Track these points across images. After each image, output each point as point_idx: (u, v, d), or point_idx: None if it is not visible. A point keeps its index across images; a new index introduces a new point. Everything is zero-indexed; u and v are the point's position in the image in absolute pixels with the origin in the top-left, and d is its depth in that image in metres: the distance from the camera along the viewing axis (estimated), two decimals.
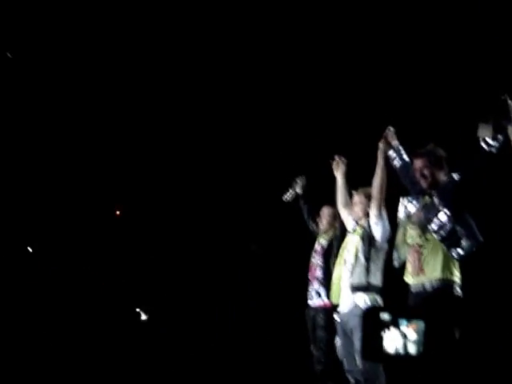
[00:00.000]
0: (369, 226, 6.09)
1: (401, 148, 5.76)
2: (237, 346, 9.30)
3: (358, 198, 6.28)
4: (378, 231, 6.01)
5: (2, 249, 9.97)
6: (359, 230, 6.19)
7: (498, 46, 7.36)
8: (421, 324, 3.24)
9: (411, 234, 5.35)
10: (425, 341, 3.28)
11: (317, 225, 7.11)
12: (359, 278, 5.99)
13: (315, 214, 7.16)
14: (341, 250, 6.31)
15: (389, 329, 3.25)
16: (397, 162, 5.71)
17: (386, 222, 5.98)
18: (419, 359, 3.36)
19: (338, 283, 6.22)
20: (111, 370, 9.19)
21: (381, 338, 3.23)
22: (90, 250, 10.17)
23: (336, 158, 6.71)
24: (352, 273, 6.04)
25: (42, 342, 9.56)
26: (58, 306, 9.91)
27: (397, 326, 3.25)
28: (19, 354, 9.19)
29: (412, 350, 3.28)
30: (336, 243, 6.73)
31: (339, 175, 6.64)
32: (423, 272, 5.20)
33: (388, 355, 3.31)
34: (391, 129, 5.85)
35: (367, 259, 6.01)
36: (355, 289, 5.99)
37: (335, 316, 6.23)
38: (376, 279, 6.00)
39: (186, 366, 9.32)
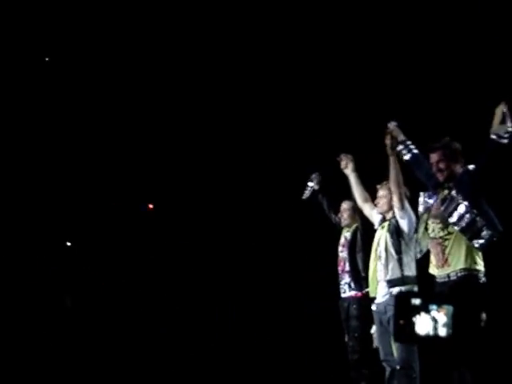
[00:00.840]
0: (395, 219, 6.14)
1: (409, 142, 5.71)
2: (273, 337, 9.35)
3: (382, 192, 6.28)
4: (405, 223, 6.08)
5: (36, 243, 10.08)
6: (386, 224, 6.24)
7: None
8: (450, 308, 3.48)
9: (433, 228, 5.38)
10: (454, 323, 3.49)
11: (339, 218, 7.16)
12: (394, 273, 6.07)
13: (336, 207, 7.19)
14: (373, 246, 6.33)
15: (419, 314, 3.48)
16: (407, 156, 5.71)
17: (411, 213, 6.01)
18: (449, 341, 3.56)
19: (374, 278, 6.26)
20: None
21: (413, 321, 3.45)
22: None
23: (342, 156, 6.64)
24: (386, 268, 6.11)
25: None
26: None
27: (427, 310, 3.49)
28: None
29: (442, 332, 3.51)
30: (360, 236, 6.86)
31: (349, 172, 6.60)
32: (448, 263, 5.27)
33: (419, 337, 3.51)
34: (393, 123, 5.80)
35: (398, 252, 6.07)
36: (392, 284, 6.07)
37: (372, 306, 6.31)
38: (411, 270, 6.06)
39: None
